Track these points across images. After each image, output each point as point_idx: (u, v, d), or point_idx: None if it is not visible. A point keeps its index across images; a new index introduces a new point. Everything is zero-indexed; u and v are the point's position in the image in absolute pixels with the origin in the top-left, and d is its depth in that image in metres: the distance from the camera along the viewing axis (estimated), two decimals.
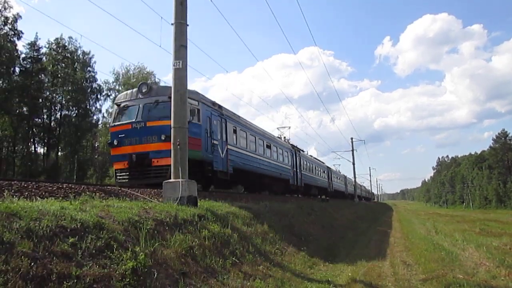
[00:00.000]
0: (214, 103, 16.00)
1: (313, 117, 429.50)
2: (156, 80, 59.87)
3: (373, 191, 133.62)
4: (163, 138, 12.29)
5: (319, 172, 38.77)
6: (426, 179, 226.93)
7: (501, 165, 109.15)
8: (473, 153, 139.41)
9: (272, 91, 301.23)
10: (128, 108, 13.52)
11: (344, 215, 28.42)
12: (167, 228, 6.87)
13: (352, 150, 57.30)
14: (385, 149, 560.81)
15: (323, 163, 43.20)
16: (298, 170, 29.13)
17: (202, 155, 14.13)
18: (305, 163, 32.26)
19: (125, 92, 14.48)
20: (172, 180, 9.60)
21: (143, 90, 13.53)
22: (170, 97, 10.10)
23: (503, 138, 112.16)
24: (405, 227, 27.81)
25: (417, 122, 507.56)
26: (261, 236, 10.35)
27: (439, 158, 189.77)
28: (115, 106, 14.20)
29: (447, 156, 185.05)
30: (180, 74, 10.11)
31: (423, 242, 16.25)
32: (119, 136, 13.11)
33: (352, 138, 58.22)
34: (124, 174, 12.90)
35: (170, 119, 9.80)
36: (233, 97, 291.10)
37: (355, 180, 59.29)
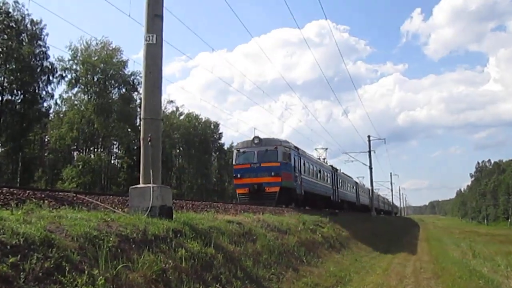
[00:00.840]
0: (296, 147, 28.72)
1: (320, 108, 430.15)
2: (124, 58, 59.89)
3: (395, 202, 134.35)
4: (272, 174, 25.21)
5: (349, 188, 51.06)
6: (462, 189, 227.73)
7: None
8: None
9: (270, 75, 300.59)
10: (246, 153, 26.64)
11: (358, 232, 28.54)
12: (133, 246, 6.87)
13: (370, 151, 57.38)
14: (410, 151, 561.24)
15: (351, 177, 54.86)
16: (336, 188, 41.34)
17: (293, 184, 26.93)
18: (340, 180, 44.12)
19: (242, 142, 27.92)
20: (140, 185, 9.59)
21: (256, 142, 26.58)
22: (276, 147, 22.58)
23: None
24: (435, 248, 28.03)
25: (452, 117, 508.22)
26: (253, 257, 10.38)
27: (478, 163, 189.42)
28: (236, 151, 27.47)
29: (489, 161, 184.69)
30: (154, 51, 10.10)
31: (457, 268, 16.39)
32: (241, 171, 26.23)
33: (369, 136, 58.25)
34: (245, 197, 25.56)
35: (277, 162, 21.63)
36: (220, 81, 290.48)
37: (372, 189, 59.44)
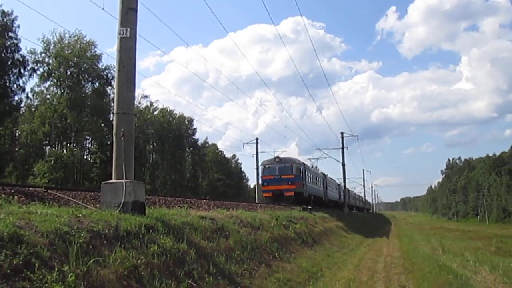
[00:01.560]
0: (303, 163, 40.18)
1: (295, 105, 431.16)
2: (98, 52, 59.06)
3: (367, 199, 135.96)
4: (289, 183, 36.47)
5: (334, 189, 59.87)
6: (433, 186, 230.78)
7: None
8: (491, 154, 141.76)
9: (245, 71, 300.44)
10: (270, 168, 38.33)
11: (331, 228, 28.83)
12: (105, 242, 6.83)
13: (342, 148, 57.85)
14: (383, 148, 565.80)
15: (334, 180, 63.35)
16: (326, 190, 52.09)
17: (302, 190, 37.76)
18: (328, 184, 54.25)
19: (267, 159, 39.90)
20: (113, 180, 9.51)
21: (277, 160, 38.39)
22: (291, 164, 37.78)
23: None
24: (406, 244, 28.43)
25: (424, 115, 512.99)
26: (226, 253, 10.40)
27: (449, 160, 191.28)
28: (262, 166, 39.50)
29: (459, 158, 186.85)
30: (127, 45, 10.01)
31: (427, 263, 16.64)
32: (267, 181, 37.91)
33: (342, 133, 58.72)
34: (270, 199, 36.86)
35: (292, 174, 36.53)
36: (195, 77, 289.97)
37: (344, 186, 60.04)
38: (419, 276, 13.53)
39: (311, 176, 44.55)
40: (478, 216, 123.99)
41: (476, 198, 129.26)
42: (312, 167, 47.45)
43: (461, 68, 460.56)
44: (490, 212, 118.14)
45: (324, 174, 53.44)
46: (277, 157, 39.93)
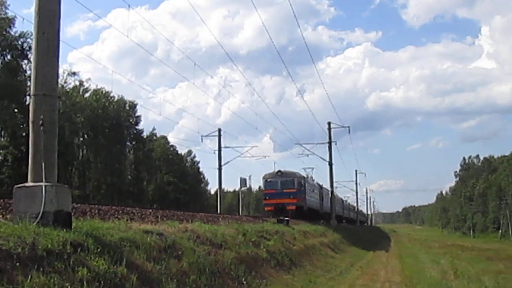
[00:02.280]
0: (304, 177, 53.21)
1: (270, 86, 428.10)
2: (10, 14, 58.01)
3: (361, 208, 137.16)
4: (291, 197, 46.98)
5: (327, 199, 65.44)
6: (444, 192, 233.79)
7: None
8: None
9: (205, 42, 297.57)
10: (271, 182, 49.42)
11: (314, 246, 29.05)
12: (18, 264, 6.74)
13: (330, 142, 58.28)
14: (382, 143, 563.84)
15: (328, 190, 67.45)
16: (322, 202, 62.24)
17: (302, 204, 49.43)
18: (324, 195, 63.84)
19: (269, 173, 50.76)
20: (29, 184, 9.39)
21: (279, 174, 49.49)
22: (293, 178, 49.17)
23: None
24: (409, 266, 28.85)
25: (434, 101, 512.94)
26: (177, 278, 10.39)
27: (464, 159, 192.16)
28: (264, 180, 50.76)
29: (477, 157, 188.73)
30: (49, 6, 9.89)
31: None
32: (269, 195, 48.89)
33: (329, 123, 59.11)
34: (271, 213, 44.68)
35: (294, 188, 47.78)
36: (139, 49, 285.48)
37: (332, 191, 60.55)
38: None
39: (310, 189, 56.17)
40: (500, 231, 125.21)
41: (498, 207, 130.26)
42: (307, 177, 57.19)
43: (481, 41, 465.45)
44: None
45: (320, 185, 63.69)
46: (279, 171, 50.82)
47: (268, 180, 50.11)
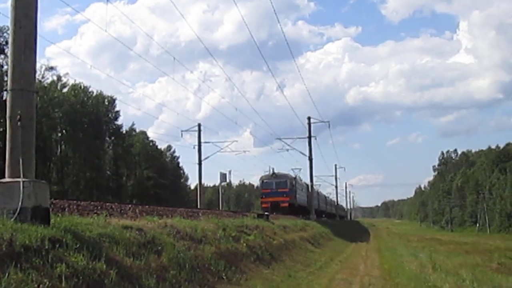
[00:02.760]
0: (294, 177, 62.26)
1: (250, 81, 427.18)
2: None
3: (340, 202, 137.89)
4: (284, 195, 56.13)
5: (315, 198, 74.48)
6: (422, 186, 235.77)
7: None
8: (494, 146, 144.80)
9: (185, 36, 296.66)
10: (267, 182, 58.82)
11: (293, 241, 29.14)
12: None
13: (310, 137, 58.52)
14: (362, 137, 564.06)
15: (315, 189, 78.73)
16: (309, 199, 66.92)
17: (294, 201, 58.03)
18: (311, 193, 68.90)
19: (265, 174, 61.48)
20: (6, 179, 9.32)
21: (274, 176, 59.06)
22: (286, 180, 58.16)
23: None
24: (388, 260, 29.02)
25: (414, 96, 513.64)
26: (157, 274, 10.36)
27: (443, 154, 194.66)
28: (261, 181, 61.25)
29: (455, 151, 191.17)
30: (25, 0, 9.79)
31: (413, 284, 17.07)
32: (265, 194, 58.06)
33: (309, 118, 59.33)
34: (267, 209, 48.25)
35: (287, 188, 56.83)
36: (118, 43, 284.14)
37: (311, 185, 61.00)
38: None
39: (299, 188, 64.23)
40: (477, 225, 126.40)
41: (475, 201, 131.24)
42: (296, 177, 64.23)
43: (459, 36, 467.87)
44: (491, 219, 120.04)
45: (307, 184, 68.67)
46: (274, 173, 59.81)
47: (265, 181, 59.53)
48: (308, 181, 63.69)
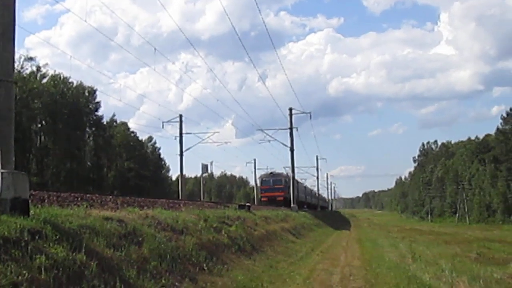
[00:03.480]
0: (288, 175, 69.14)
1: (232, 72, 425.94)
2: None
3: (322, 194, 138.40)
4: (280, 191, 69.39)
5: (302, 191, 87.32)
6: (403, 177, 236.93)
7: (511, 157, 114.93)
8: (474, 137, 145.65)
9: (166, 27, 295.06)
10: (266, 180, 73.72)
11: (275, 232, 29.22)
12: None
13: (291, 128, 58.66)
14: (344, 128, 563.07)
15: (302, 183, 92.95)
16: (298, 193, 73.61)
17: (287, 196, 66.21)
18: (299, 188, 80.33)
19: (264, 174, 78.44)
20: None
21: (271, 174, 75.25)
22: (281, 178, 71.07)
23: None
24: (368, 250, 29.23)
25: (395, 87, 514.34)
26: (138, 265, 10.36)
27: (423, 145, 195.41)
28: (260, 179, 78.07)
29: (435, 142, 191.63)
30: None
31: (394, 274, 17.19)
32: (265, 189, 72.65)
33: (291, 109, 59.46)
34: (266, 202, 67.51)
35: (282, 185, 69.00)
36: (98, 34, 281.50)
37: (293, 177, 61.10)
38: None
39: (301, 188, 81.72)
40: (457, 215, 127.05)
41: (455, 192, 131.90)
42: (288, 174, 69.04)
43: (440, 27, 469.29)
44: (471, 210, 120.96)
45: (297, 181, 77.18)
46: (271, 172, 74.40)
47: (264, 179, 73.81)
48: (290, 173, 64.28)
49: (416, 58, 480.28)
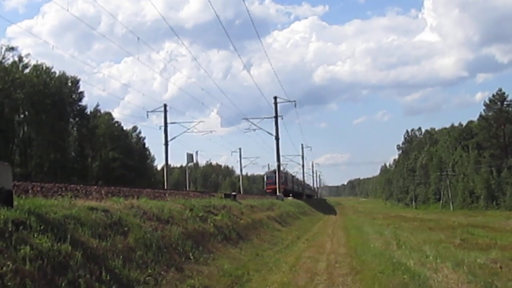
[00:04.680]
0: (286, 171, 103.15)
1: (217, 60, 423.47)
2: None
3: (308, 182, 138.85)
4: (281, 184, 74.58)
5: (295, 183, 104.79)
6: (388, 165, 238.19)
7: (494, 144, 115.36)
8: (457, 124, 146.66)
9: (149, 16, 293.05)
10: (270, 176, 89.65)
11: (261, 220, 29.29)
12: None
13: (276, 117, 58.82)
14: (329, 116, 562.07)
15: (295, 176, 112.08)
16: (293, 185, 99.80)
17: (286, 187, 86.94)
18: (294, 180, 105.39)
19: (269, 171, 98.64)
20: None
21: (274, 171, 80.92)
22: (282, 174, 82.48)
23: (498, 103, 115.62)
24: (354, 238, 29.37)
25: (380, 74, 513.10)
26: (123, 255, 10.35)
27: (407, 132, 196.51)
28: (265, 175, 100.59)
29: (419, 129, 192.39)
30: None
31: (378, 261, 17.31)
32: (269, 183, 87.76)
33: (275, 98, 59.57)
34: (270, 193, 78.94)
35: (282, 179, 78.97)
36: (81, 23, 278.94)
37: (278, 165, 61.27)
38: (369, 277, 14.07)
39: (289, 178, 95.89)
40: (441, 202, 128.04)
41: (439, 179, 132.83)
42: (286, 171, 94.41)
43: (425, 14, 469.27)
44: (454, 196, 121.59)
45: (292, 176, 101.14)
46: (274, 170, 79.11)
47: (268, 175, 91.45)
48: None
49: (401, 45, 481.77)
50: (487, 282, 12.61)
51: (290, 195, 79.38)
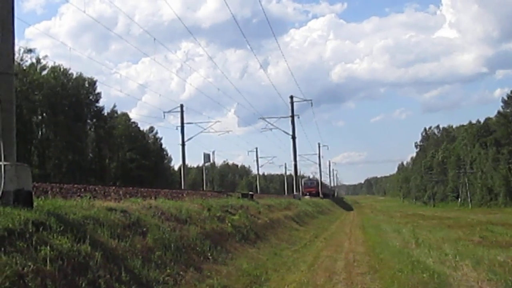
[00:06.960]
0: (317, 179, 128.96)
1: (234, 60, 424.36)
2: None
3: (324, 181, 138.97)
4: (314, 188, 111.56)
5: (324, 187, 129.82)
6: (405, 163, 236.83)
7: None
8: (475, 121, 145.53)
9: (166, 16, 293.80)
10: (307, 182, 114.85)
11: (279, 219, 29.26)
12: None
13: (292, 116, 58.67)
14: (346, 114, 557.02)
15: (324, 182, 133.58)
16: (321, 188, 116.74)
17: (318, 190, 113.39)
18: (322, 185, 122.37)
19: (306, 178, 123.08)
20: None
21: (309, 178, 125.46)
22: (314, 181, 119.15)
23: None
24: (372, 237, 29.26)
25: (398, 72, 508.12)
26: (142, 255, 10.37)
27: (425, 129, 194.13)
28: (303, 181, 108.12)
29: (438, 127, 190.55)
30: None
31: (397, 259, 17.20)
32: (306, 186, 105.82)
33: (292, 97, 59.44)
34: (310, 195, 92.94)
35: (315, 184, 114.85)
36: (98, 24, 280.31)
37: (295, 165, 61.12)
38: (388, 276, 13.98)
39: (318, 183, 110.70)
40: (459, 199, 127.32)
41: (457, 176, 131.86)
42: (317, 179, 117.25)
43: (443, 10, 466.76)
44: (473, 194, 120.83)
45: (321, 181, 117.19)
46: (309, 178, 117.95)
47: (305, 182, 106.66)
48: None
49: (419, 42, 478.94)
50: (508, 280, 12.49)
51: (307, 194, 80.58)
